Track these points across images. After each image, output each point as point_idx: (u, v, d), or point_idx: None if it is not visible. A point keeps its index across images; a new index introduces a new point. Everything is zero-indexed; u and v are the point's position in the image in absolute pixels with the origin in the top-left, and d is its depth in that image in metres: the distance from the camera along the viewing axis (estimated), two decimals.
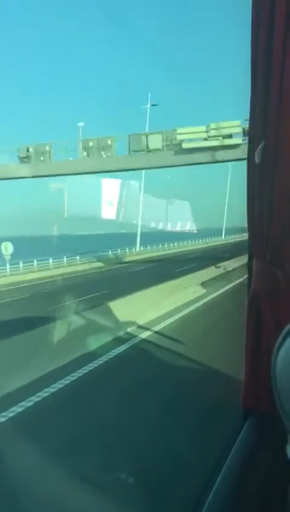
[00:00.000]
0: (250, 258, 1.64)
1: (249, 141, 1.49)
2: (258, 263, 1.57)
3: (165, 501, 3.53)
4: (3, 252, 24.24)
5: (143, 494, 3.61)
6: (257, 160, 1.43)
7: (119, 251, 33.99)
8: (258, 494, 1.20)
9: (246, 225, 1.59)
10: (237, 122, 25.05)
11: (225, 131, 25.60)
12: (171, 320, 11.46)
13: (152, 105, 34.45)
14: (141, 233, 36.79)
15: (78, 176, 29.66)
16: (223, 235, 42.85)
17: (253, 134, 1.45)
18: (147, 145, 26.95)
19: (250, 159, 1.49)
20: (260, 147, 1.40)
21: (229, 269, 21.12)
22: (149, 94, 34.80)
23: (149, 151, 27.06)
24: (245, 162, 1.51)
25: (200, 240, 42.22)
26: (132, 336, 9.70)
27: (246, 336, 1.56)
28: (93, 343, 8.51)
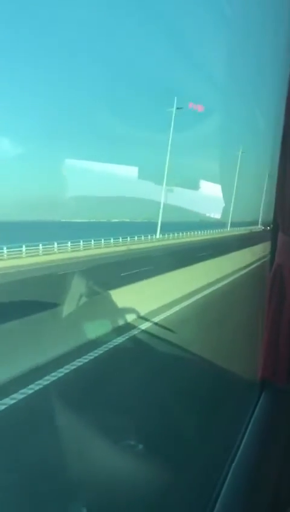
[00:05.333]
0: (275, 232, 1.61)
1: (286, 118, 1.46)
2: (284, 237, 1.54)
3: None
4: None
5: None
6: None
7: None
8: (278, 461, 1.20)
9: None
10: None
11: None
12: None
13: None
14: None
15: None
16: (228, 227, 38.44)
17: None
18: None
19: (285, 139, 1.47)
20: None
21: None
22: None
23: None
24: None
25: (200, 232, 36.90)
26: None
27: (267, 309, 1.54)
28: None
